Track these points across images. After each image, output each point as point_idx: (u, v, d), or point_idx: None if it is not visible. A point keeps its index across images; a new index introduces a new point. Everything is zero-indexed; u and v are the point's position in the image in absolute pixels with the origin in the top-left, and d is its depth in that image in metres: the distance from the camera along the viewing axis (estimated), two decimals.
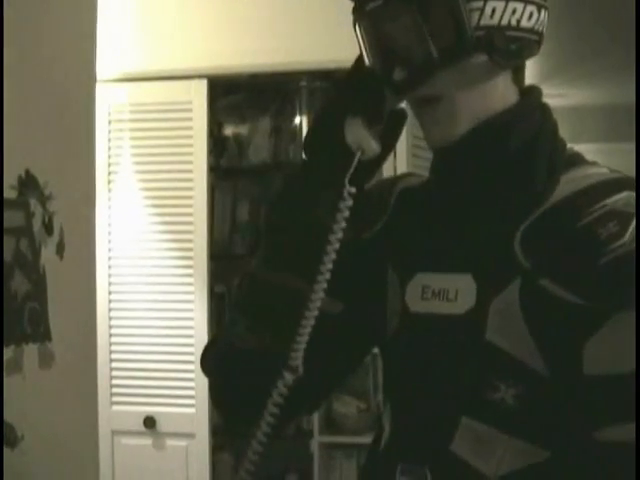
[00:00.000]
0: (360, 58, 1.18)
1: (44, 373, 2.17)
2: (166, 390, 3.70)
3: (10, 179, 2.06)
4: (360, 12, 1.15)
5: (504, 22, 1.11)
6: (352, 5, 1.16)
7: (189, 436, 3.70)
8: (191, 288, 3.70)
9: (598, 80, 5.71)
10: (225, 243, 4.07)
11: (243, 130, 4.12)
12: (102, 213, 3.61)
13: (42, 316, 2.14)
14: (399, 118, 1.18)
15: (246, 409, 1.24)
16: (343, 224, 1.12)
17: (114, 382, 3.73)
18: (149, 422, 3.70)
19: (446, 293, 1.15)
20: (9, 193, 2.05)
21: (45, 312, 2.16)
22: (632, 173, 1.19)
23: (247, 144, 4.10)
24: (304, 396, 1.20)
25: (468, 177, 1.17)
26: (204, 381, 1.30)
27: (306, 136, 1.20)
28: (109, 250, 3.75)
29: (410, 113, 1.19)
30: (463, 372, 1.14)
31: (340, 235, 1.12)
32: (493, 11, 1.10)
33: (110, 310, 3.73)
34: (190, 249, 3.71)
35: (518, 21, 1.12)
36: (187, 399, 3.67)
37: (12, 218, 2.05)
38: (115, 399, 3.73)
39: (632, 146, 5.30)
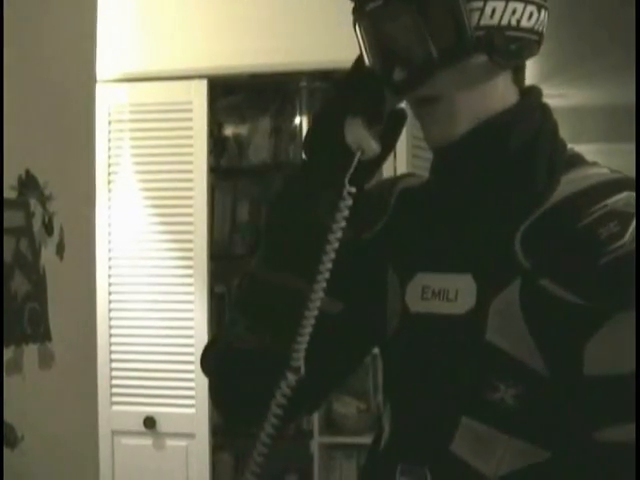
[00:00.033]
0: (360, 58, 1.18)
1: (44, 373, 2.17)
2: (166, 390, 3.70)
3: (10, 179, 2.06)
4: (360, 12, 1.15)
5: (504, 22, 1.11)
6: (352, 5, 1.16)
7: (189, 436, 3.70)
8: (191, 288, 3.70)
9: (598, 80, 5.71)
10: (225, 243, 4.07)
11: (243, 130, 4.12)
12: (102, 213, 3.61)
13: (42, 316, 2.14)
14: (399, 118, 1.18)
15: (246, 409, 1.24)
16: (343, 224, 1.12)
17: (114, 382, 3.73)
18: (149, 422, 3.70)
19: (446, 293, 1.15)
20: (9, 193, 2.05)
21: (45, 312, 2.16)
22: (632, 173, 1.19)
23: (247, 144, 4.10)
24: (304, 396, 1.20)
25: (468, 177, 1.17)
26: (204, 381, 1.30)
27: (306, 136, 1.20)
28: (109, 250, 3.75)
29: (410, 113, 1.19)
30: (463, 372, 1.14)
31: (340, 235, 1.12)
32: (493, 11, 1.10)
33: (110, 310, 3.73)
34: (190, 249, 3.71)
35: (518, 21, 1.12)
36: (187, 399, 3.67)
37: (12, 218, 2.05)
38: (115, 399, 3.73)
39: (632, 146, 5.30)
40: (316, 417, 3.74)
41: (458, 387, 1.14)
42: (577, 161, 1.18)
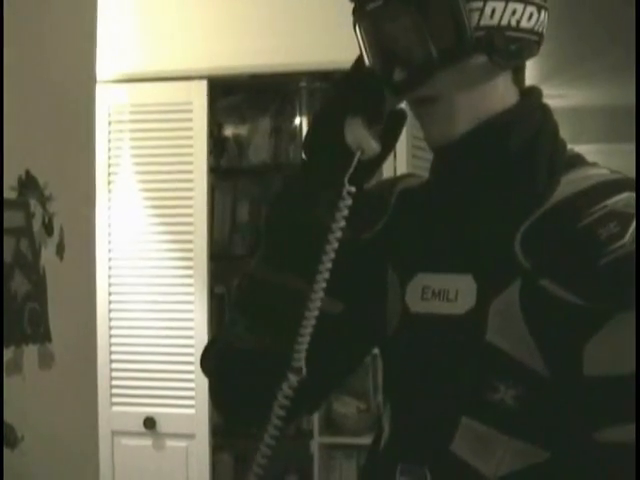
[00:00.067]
0: (360, 58, 1.18)
1: (44, 374, 2.17)
2: (166, 391, 3.70)
3: (10, 180, 2.06)
4: (360, 13, 1.15)
5: (504, 22, 1.11)
6: (352, 6, 1.17)
7: (189, 437, 3.70)
8: (191, 289, 3.70)
9: (598, 81, 5.71)
10: (225, 243, 4.07)
11: (243, 131, 4.12)
12: (102, 214, 3.61)
13: (42, 317, 2.14)
14: (399, 118, 1.19)
15: (246, 409, 1.24)
16: (342, 224, 1.12)
17: (114, 383, 3.73)
18: (149, 423, 3.70)
19: (446, 293, 1.15)
20: (9, 194, 2.05)
21: (45, 313, 2.16)
22: (632, 174, 1.19)
23: (247, 144, 4.10)
24: (305, 396, 1.20)
25: (468, 177, 1.17)
26: (204, 382, 1.30)
27: (306, 136, 1.20)
28: (109, 251, 3.75)
29: (410, 113, 1.19)
30: (463, 372, 1.14)
31: (339, 235, 1.12)
32: (493, 11, 1.10)
33: (110, 311, 3.73)
34: (190, 250, 3.71)
35: (518, 22, 1.12)
36: (187, 400, 3.67)
37: (12, 218, 2.05)
38: (115, 400, 3.73)
39: (632, 147, 5.30)
40: (316, 417, 3.74)
41: (458, 387, 1.14)
42: (577, 162, 1.18)
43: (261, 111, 4.08)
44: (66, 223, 2.27)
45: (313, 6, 3.63)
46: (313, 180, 1.16)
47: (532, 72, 1.28)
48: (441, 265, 1.17)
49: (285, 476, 3.99)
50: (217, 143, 4.05)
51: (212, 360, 1.26)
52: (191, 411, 3.67)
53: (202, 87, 3.69)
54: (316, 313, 1.11)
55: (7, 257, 2.01)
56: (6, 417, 1.97)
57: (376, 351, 1.31)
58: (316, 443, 3.80)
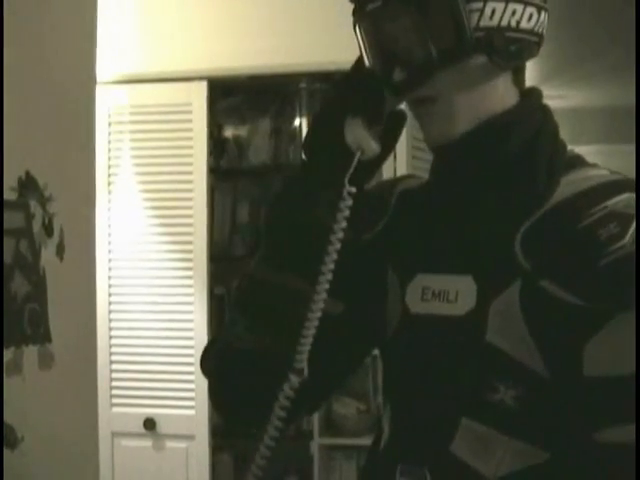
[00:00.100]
0: (360, 59, 1.18)
1: (44, 374, 2.17)
2: (166, 392, 3.70)
3: (10, 180, 2.06)
4: (360, 13, 1.15)
5: (504, 23, 1.11)
6: (352, 7, 1.17)
7: (189, 438, 3.70)
8: (191, 290, 3.70)
9: (598, 81, 5.71)
10: (225, 244, 4.07)
11: (243, 132, 4.12)
12: (102, 215, 3.61)
13: (42, 317, 2.14)
14: (399, 119, 1.19)
15: (246, 410, 1.24)
16: (343, 224, 1.12)
17: (114, 384, 3.73)
18: (149, 424, 3.70)
19: (446, 294, 1.15)
20: (9, 194, 2.05)
21: (45, 313, 2.16)
22: (632, 175, 1.19)
23: (247, 145, 4.09)
24: (305, 397, 1.20)
25: (468, 178, 1.17)
26: (204, 383, 1.30)
27: (306, 136, 1.20)
28: (109, 252, 3.75)
29: (410, 114, 1.19)
30: (463, 373, 1.14)
31: (341, 235, 1.12)
32: (493, 12, 1.10)
33: (110, 312, 3.73)
34: (190, 251, 3.70)
35: (518, 22, 1.12)
36: (187, 401, 3.67)
37: (12, 219, 2.05)
38: (115, 401, 3.73)
39: (632, 147, 5.30)
40: (316, 418, 3.74)
41: (458, 388, 1.14)
42: (577, 163, 1.18)
43: (261, 112, 4.08)
44: (66, 224, 2.27)
45: (313, 7, 3.63)
46: (313, 180, 1.16)
47: (532, 73, 1.28)
48: (441, 266, 1.18)
49: (285, 477, 3.99)
50: (217, 144, 4.05)
51: (212, 360, 1.26)
52: (191, 412, 3.67)
53: (202, 88, 3.69)
54: (319, 314, 1.11)
55: (7, 258, 2.01)
56: (6, 418, 1.97)
57: (376, 352, 1.31)
58: (316, 444, 3.79)
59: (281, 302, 1.16)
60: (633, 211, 1.06)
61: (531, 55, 1.17)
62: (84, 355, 2.45)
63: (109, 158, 3.74)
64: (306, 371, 1.13)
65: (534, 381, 1.09)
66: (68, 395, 2.31)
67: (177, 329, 3.70)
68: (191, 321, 3.68)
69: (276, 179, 3.99)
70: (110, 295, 3.73)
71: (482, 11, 1.10)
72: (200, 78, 3.69)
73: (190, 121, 3.70)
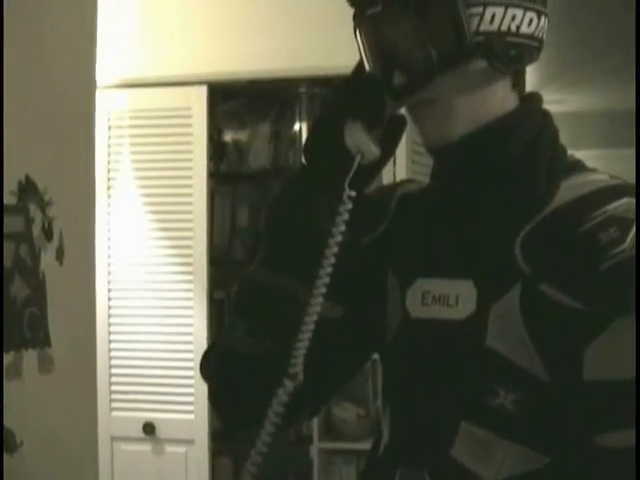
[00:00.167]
0: (360, 63, 1.18)
1: (43, 378, 2.17)
2: (165, 396, 3.70)
3: (10, 185, 2.06)
4: (360, 18, 1.15)
5: (504, 28, 1.11)
6: (352, 12, 1.17)
7: (188, 442, 3.69)
8: (190, 294, 3.70)
9: (597, 85, 5.71)
10: (225, 248, 4.07)
11: (243, 136, 4.12)
12: (102, 219, 3.61)
13: (42, 321, 2.14)
14: (399, 124, 1.19)
15: (245, 413, 1.24)
16: (343, 228, 1.12)
17: (113, 388, 3.73)
18: (148, 428, 3.70)
19: (446, 299, 1.15)
20: (9, 199, 2.05)
21: (45, 317, 2.16)
22: (632, 179, 1.19)
23: (247, 150, 4.10)
24: (304, 402, 1.20)
25: (468, 181, 1.17)
26: (203, 387, 1.30)
27: (306, 139, 1.20)
28: (109, 256, 3.75)
29: (410, 119, 1.19)
30: (463, 377, 1.14)
31: (340, 239, 1.11)
32: (493, 17, 1.10)
33: (110, 316, 3.73)
34: (190, 255, 3.70)
35: (518, 27, 1.12)
36: (186, 405, 3.67)
37: (12, 223, 2.05)
38: (114, 405, 3.73)
39: (632, 152, 5.30)
40: (315, 422, 3.74)
41: (458, 392, 1.14)
42: (577, 167, 1.18)
43: (261, 116, 4.08)
44: (66, 228, 2.27)
45: (313, 11, 3.63)
46: (313, 184, 1.16)
47: (531, 77, 1.28)
48: (441, 270, 1.18)
49: None
50: (217, 148, 4.05)
51: (211, 364, 1.26)
52: (190, 416, 3.67)
53: (202, 92, 3.69)
54: (315, 318, 1.11)
55: (7, 262, 2.01)
56: (6, 422, 1.97)
57: (376, 356, 1.31)
58: (315, 448, 3.79)
59: (280, 305, 1.16)
60: (633, 215, 1.06)
61: (531, 60, 1.17)
62: (84, 359, 2.45)
63: (109, 162, 3.74)
64: (302, 376, 1.12)
65: (534, 385, 1.09)
66: (68, 399, 2.31)
67: (177, 333, 3.70)
68: (191, 325, 3.68)
69: (276, 183, 3.99)
70: (110, 299, 3.73)
71: (482, 16, 1.10)
72: (200, 82, 3.69)
73: (190, 125, 3.71)
